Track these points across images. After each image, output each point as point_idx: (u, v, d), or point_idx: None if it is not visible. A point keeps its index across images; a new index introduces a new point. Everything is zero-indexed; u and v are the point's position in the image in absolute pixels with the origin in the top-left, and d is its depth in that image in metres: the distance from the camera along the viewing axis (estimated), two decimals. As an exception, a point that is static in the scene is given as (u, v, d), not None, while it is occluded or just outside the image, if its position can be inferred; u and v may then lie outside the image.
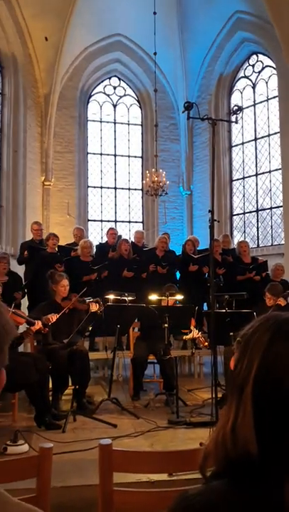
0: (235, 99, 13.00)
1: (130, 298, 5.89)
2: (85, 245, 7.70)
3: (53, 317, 5.17)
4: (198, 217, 13.11)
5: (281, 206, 11.18)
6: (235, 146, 13.01)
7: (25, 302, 7.43)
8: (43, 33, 11.57)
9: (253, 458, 0.83)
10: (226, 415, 0.89)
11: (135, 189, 13.94)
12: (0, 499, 0.78)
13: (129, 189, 13.96)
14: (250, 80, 12.76)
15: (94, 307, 5.33)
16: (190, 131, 13.53)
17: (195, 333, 5.52)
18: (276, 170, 11.70)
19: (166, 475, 3.19)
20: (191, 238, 8.62)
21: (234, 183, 12.98)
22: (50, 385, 5.07)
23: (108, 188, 13.80)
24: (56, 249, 7.81)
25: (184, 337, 5.78)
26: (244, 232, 12.66)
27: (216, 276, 7.04)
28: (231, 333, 4.73)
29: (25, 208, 11.34)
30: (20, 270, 8.06)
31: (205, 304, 7.89)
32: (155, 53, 11.42)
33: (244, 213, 12.70)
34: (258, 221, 12.29)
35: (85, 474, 3.36)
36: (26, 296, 7.59)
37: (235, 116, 4.29)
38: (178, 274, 8.48)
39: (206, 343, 5.68)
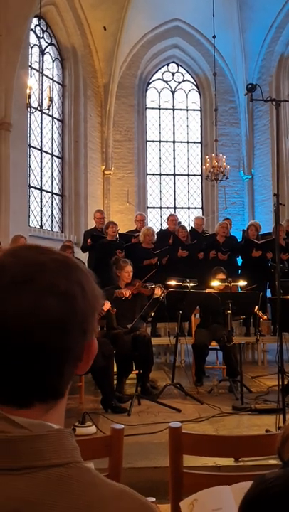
0: (298, 80, 12.55)
1: (192, 284, 5.87)
2: (148, 232, 7.73)
3: (127, 292, 5.44)
4: (260, 202, 12.83)
5: None
6: (297, 128, 12.60)
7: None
8: (101, 23, 11.65)
9: None
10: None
11: (194, 175, 13.83)
12: (89, 480, 0.65)
13: (188, 175, 13.87)
14: (313, 58, 12.27)
15: (158, 292, 5.40)
16: (250, 114, 13.22)
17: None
18: None
19: (232, 460, 3.19)
20: (254, 223, 8.44)
21: (297, 165, 12.58)
22: (115, 370, 5.18)
23: (167, 174, 13.78)
24: (117, 236, 7.91)
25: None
26: (308, 216, 12.26)
27: (281, 262, 6.88)
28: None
29: (87, 197, 11.57)
30: (84, 257, 8.27)
31: (268, 290, 7.74)
32: (214, 36, 11.24)
33: (308, 197, 12.30)
34: None
35: (151, 457, 3.42)
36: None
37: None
38: (239, 260, 8.36)
39: (265, 317, 5.59)
